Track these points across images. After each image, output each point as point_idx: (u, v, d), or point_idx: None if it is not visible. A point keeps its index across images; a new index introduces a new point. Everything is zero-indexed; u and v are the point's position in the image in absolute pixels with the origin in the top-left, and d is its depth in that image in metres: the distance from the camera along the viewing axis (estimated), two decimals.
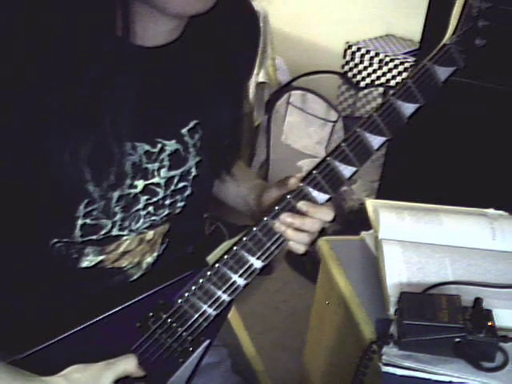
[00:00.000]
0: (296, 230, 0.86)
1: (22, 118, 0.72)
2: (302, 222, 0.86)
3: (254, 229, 0.85)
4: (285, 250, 0.87)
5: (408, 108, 0.87)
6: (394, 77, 2.80)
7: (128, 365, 0.82)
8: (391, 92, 0.87)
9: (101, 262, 0.85)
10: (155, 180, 0.85)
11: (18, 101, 0.71)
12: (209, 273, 0.85)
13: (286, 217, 0.85)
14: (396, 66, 2.79)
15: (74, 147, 0.74)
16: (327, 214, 0.87)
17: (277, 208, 0.85)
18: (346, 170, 0.87)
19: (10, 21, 0.71)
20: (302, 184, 0.86)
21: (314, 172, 0.86)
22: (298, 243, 0.88)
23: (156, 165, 0.84)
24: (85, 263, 0.84)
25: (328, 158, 0.86)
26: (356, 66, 2.90)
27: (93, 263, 0.85)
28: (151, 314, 0.86)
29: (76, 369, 0.79)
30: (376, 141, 0.87)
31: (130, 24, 0.74)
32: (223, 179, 0.98)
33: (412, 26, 2.69)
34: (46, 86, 0.72)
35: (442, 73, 0.87)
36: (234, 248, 0.85)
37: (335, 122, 2.67)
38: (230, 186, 1.03)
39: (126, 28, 0.74)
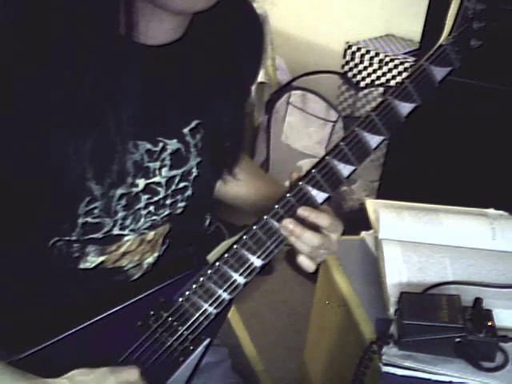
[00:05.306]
0: (298, 239, 0.86)
1: (22, 116, 0.72)
2: (300, 233, 0.85)
3: (254, 227, 0.85)
4: (284, 249, 0.87)
5: (405, 107, 0.88)
6: (394, 77, 2.80)
7: (131, 375, 0.82)
8: (389, 91, 0.88)
9: (101, 263, 0.85)
10: (156, 179, 0.85)
11: (19, 99, 0.71)
12: (209, 271, 0.85)
13: (287, 223, 0.85)
14: (396, 66, 2.79)
15: (76, 145, 0.74)
16: (324, 219, 0.87)
17: (276, 207, 0.85)
18: (345, 169, 0.87)
19: (9, 19, 0.71)
20: (301, 183, 0.86)
21: (313, 171, 0.86)
22: (302, 247, 0.87)
23: (157, 164, 0.84)
24: (86, 264, 0.84)
25: (327, 157, 0.86)
26: (356, 66, 2.90)
27: (94, 264, 0.85)
28: (152, 312, 0.86)
29: (80, 372, 0.80)
30: (374, 140, 0.88)
31: (133, 22, 0.74)
32: (225, 180, 0.98)
33: (412, 26, 2.69)
34: (47, 84, 0.72)
35: (438, 73, 0.88)
36: (234, 247, 0.85)
37: (335, 122, 2.67)
38: (238, 186, 1.03)
39: (130, 26, 0.74)
